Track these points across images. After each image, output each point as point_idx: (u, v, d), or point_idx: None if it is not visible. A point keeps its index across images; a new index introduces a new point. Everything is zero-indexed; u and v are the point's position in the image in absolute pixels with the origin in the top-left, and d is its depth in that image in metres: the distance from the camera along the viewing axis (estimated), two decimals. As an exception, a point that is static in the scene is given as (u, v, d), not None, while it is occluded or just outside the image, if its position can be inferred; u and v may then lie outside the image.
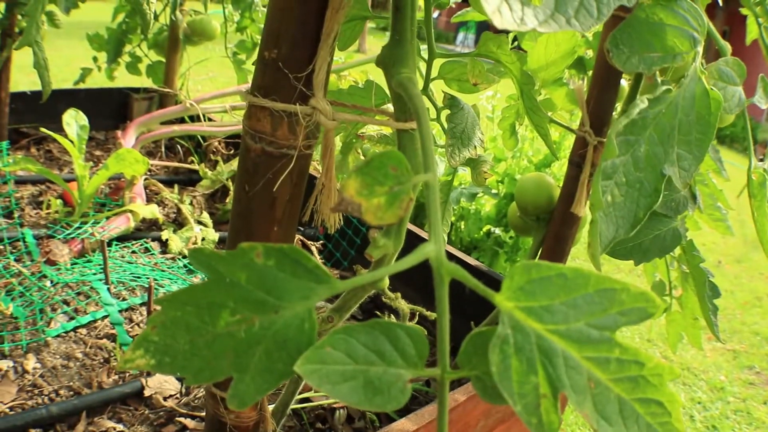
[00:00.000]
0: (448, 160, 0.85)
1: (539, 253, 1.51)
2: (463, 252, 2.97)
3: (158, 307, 0.47)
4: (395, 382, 0.43)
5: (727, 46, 0.70)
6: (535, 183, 1.54)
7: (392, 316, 0.80)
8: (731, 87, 0.66)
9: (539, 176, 1.58)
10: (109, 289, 1.44)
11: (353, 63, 2.45)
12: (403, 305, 0.78)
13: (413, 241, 1.37)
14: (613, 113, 1.30)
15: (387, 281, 0.72)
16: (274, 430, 0.88)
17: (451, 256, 1.57)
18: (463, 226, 2.98)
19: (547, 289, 0.40)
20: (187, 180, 2.22)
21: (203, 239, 1.81)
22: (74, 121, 1.78)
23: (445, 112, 0.92)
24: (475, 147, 0.89)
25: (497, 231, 2.85)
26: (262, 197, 0.67)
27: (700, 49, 0.60)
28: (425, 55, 0.87)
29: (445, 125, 0.91)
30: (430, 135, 0.50)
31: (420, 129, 0.51)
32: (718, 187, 1.31)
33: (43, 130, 1.80)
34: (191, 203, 2.01)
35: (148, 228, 1.85)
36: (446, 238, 1.04)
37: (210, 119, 2.35)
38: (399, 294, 0.78)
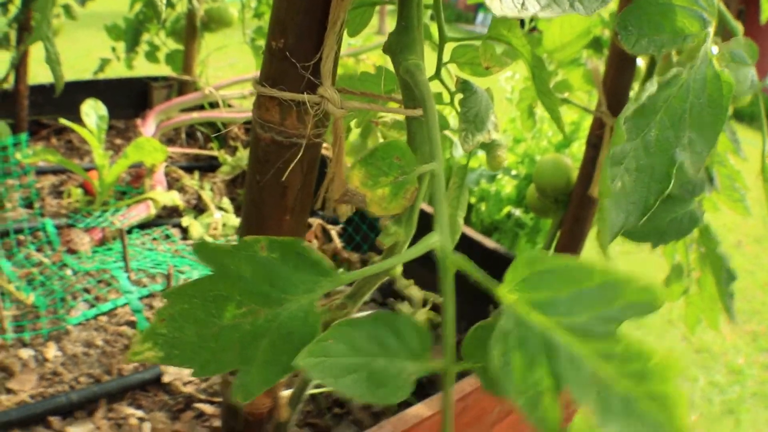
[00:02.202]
0: (461, 145, 0.84)
1: (558, 235, 1.50)
2: (484, 233, 2.97)
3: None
4: (398, 375, 0.43)
5: (739, 27, 0.68)
6: (553, 164, 1.54)
7: (407, 302, 0.80)
8: (743, 68, 0.65)
9: (557, 158, 1.57)
10: (129, 276, 1.45)
11: (371, 46, 2.44)
12: (416, 292, 0.78)
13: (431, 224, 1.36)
14: (630, 93, 1.29)
15: (400, 267, 0.72)
16: (287, 417, 0.88)
17: (469, 239, 1.56)
18: (483, 208, 2.97)
19: (550, 282, 0.39)
20: (208, 166, 2.22)
21: (224, 225, 1.82)
22: (93, 111, 1.79)
23: (458, 97, 0.91)
24: (489, 131, 0.89)
25: (517, 212, 2.84)
26: (273, 186, 0.67)
27: (711, 30, 0.59)
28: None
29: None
30: (437, 123, 0.50)
31: (426, 117, 0.51)
32: (735, 167, 1.30)
33: (62, 121, 1.81)
34: (211, 189, 2.02)
35: (168, 215, 1.86)
36: (462, 224, 1.04)
37: (229, 105, 2.35)
38: (412, 281, 0.77)
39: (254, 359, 0.45)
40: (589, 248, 1.46)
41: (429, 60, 0.88)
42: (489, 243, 1.54)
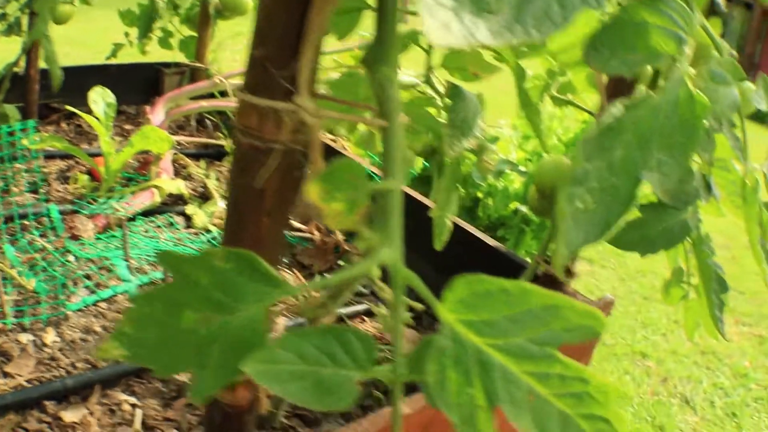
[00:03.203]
0: (446, 150, 0.85)
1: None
2: (490, 228, 2.97)
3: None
4: (344, 384, 0.44)
5: (724, 45, 0.69)
6: (554, 166, 1.54)
7: (380, 304, 0.81)
8: (723, 88, 0.65)
9: (558, 159, 1.57)
10: (128, 264, 1.47)
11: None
12: (390, 296, 0.79)
13: (420, 211, 1.38)
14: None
15: (376, 271, 0.73)
16: (271, 411, 0.90)
17: (471, 237, 1.56)
18: (490, 202, 2.96)
19: (489, 303, 0.40)
20: (216, 154, 2.24)
21: (227, 214, 1.83)
22: (101, 98, 1.81)
23: (447, 102, 0.92)
24: (476, 137, 0.90)
25: (524, 209, 2.84)
26: (251, 189, 0.69)
27: (687, 48, 0.59)
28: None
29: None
30: (398, 139, 0.51)
31: (389, 133, 0.52)
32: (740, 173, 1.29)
33: (68, 108, 1.83)
34: (217, 178, 2.04)
35: (174, 202, 1.87)
36: (451, 224, 1.04)
37: (239, 94, 2.36)
38: (385, 285, 0.79)
39: (208, 363, 0.47)
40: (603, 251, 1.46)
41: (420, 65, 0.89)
42: (489, 241, 1.54)
